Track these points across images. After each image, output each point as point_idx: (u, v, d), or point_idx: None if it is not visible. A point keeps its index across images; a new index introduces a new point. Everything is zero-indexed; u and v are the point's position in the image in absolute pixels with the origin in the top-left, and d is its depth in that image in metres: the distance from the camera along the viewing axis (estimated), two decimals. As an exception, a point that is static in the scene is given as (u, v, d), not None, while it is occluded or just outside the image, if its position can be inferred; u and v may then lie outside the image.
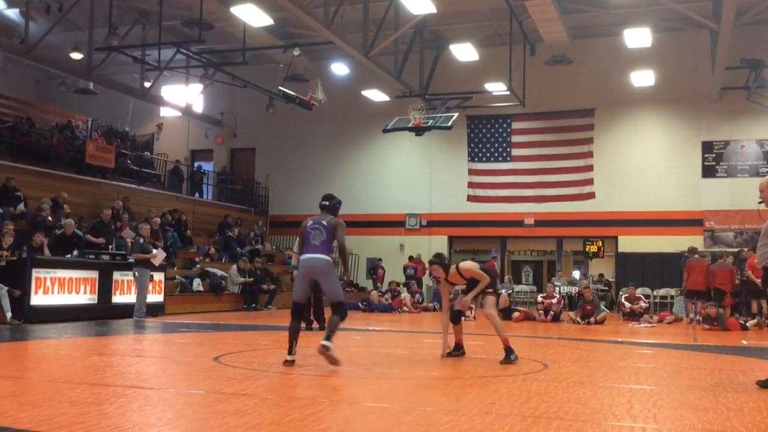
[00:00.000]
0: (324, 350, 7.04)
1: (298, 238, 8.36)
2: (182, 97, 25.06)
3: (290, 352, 7.29)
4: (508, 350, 7.98)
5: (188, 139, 27.71)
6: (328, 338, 7.07)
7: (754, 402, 5.67)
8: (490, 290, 8.32)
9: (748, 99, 20.87)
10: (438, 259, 8.48)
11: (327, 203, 7.64)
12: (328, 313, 7.99)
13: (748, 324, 14.75)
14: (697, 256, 17.03)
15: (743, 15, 18.24)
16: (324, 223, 7.41)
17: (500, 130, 24.44)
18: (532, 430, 4.37)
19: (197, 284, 18.04)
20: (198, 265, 19.17)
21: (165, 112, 27.18)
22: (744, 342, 11.93)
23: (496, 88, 21.45)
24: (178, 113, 26.02)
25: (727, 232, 22.08)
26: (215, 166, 27.49)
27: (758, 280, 15.36)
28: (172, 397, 5.56)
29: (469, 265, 8.46)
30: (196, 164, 27.16)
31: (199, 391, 5.79)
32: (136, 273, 14.25)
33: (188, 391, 5.87)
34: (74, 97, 25.13)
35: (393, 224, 25.02)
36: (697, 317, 15.77)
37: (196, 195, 25.44)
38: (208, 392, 5.68)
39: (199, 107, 26.61)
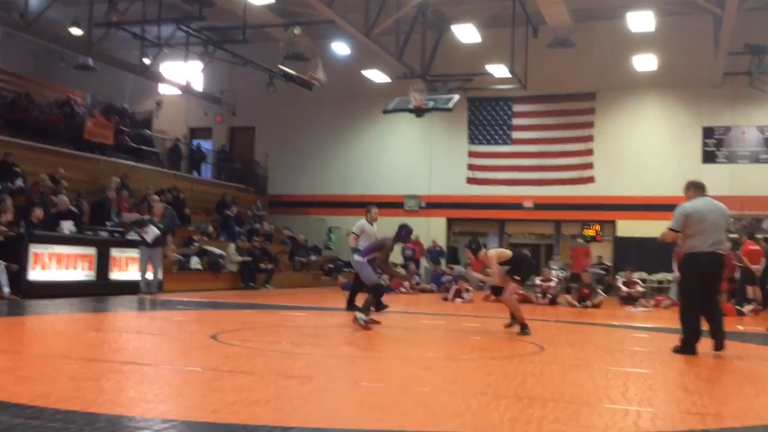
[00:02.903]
0: (356, 320, 9.02)
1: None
2: (182, 74, 24.93)
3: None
4: (523, 326, 9.07)
5: (187, 117, 27.61)
6: (360, 310, 9.13)
7: (748, 387, 5.69)
8: (517, 277, 9.32)
9: (750, 85, 20.78)
10: (470, 244, 10.19)
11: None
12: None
13: (744, 309, 14.80)
14: None
15: (747, 0, 18.12)
16: (380, 238, 9.93)
17: (501, 112, 24.36)
18: (528, 411, 4.39)
19: (195, 262, 18.06)
20: (196, 244, 19.18)
21: (164, 89, 27.04)
22: (740, 327, 11.97)
23: (498, 70, 21.33)
24: (178, 91, 25.88)
25: (725, 218, 22.09)
26: (214, 144, 27.42)
27: (753, 267, 15.46)
28: (169, 374, 5.58)
29: (490, 252, 9.58)
30: (195, 142, 27.08)
31: (197, 368, 5.81)
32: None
33: (185, 368, 5.89)
34: (73, 73, 24.98)
35: (392, 205, 24.96)
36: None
37: (195, 173, 25.39)
38: (206, 369, 5.70)
39: (198, 85, 26.47)
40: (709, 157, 22.40)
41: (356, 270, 9.88)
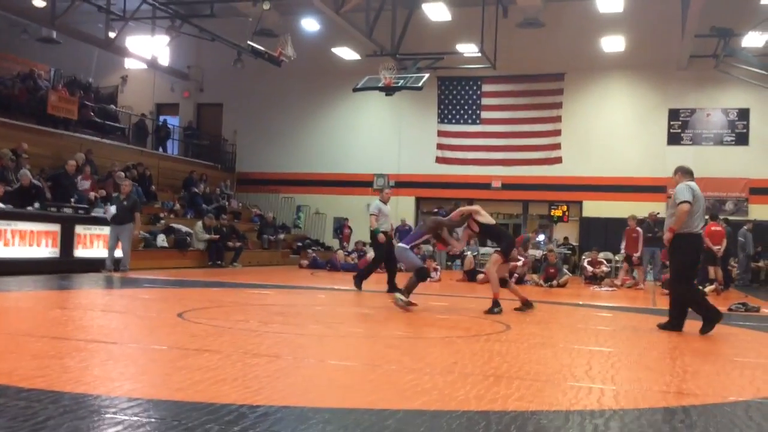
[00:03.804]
0: (395, 300, 9.25)
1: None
2: (148, 48, 24.50)
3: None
4: (495, 302, 9.19)
5: (153, 92, 27.20)
6: (401, 292, 9.31)
7: (709, 365, 5.82)
8: (499, 249, 9.55)
9: (716, 68, 21.06)
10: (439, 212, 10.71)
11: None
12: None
13: (705, 290, 15.09)
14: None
15: (715, -17, 18.34)
16: (424, 225, 10.03)
17: (470, 92, 24.39)
18: (494, 389, 4.43)
19: (162, 240, 17.88)
20: (162, 221, 18.98)
21: (130, 63, 26.58)
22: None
23: (468, 49, 21.33)
24: (144, 65, 25.45)
25: (689, 199, 22.44)
26: (181, 120, 27.07)
27: (715, 247, 15.76)
28: (134, 352, 5.53)
29: (475, 206, 10.11)
30: (161, 118, 26.70)
31: (162, 346, 5.77)
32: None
33: (151, 346, 5.84)
34: (37, 46, 24.39)
35: (361, 184, 24.97)
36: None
37: (161, 150, 25.07)
38: (172, 348, 5.66)
39: (165, 60, 26.05)
40: (674, 139, 22.72)
41: (398, 257, 10.07)
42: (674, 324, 7.86)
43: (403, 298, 9.21)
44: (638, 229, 16.93)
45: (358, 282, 12.50)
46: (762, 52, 20.00)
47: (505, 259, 9.58)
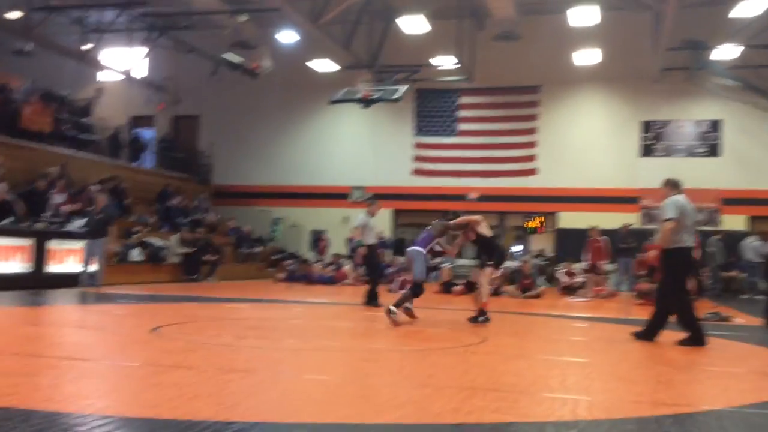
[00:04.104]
0: (388, 313, 8.95)
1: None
2: (124, 61, 24.33)
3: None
4: (481, 311, 9.38)
5: (129, 104, 26.96)
6: (396, 305, 9.06)
7: (682, 375, 5.88)
8: (490, 263, 9.68)
9: (687, 80, 21.36)
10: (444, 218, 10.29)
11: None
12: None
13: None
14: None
15: (686, -3, 18.62)
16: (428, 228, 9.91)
17: (447, 104, 24.52)
18: (469, 401, 4.44)
19: (136, 254, 17.71)
20: (137, 235, 18.81)
21: (105, 76, 26.38)
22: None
23: (445, 62, 21.46)
24: (119, 77, 25.28)
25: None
26: (157, 133, 26.89)
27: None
28: (107, 369, 5.48)
29: (475, 217, 10.03)
30: (136, 131, 26.50)
31: (135, 363, 5.71)
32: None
33: (124, 363, 5.78)
34: (11, 58, 24.11)
35: (338, 196, 24.94)
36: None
37: (136, 163, 24.87)
38: (145, 364, 5.61)
39: (141, 72, 25.90)
40: (647, 151, 22.99)
41: (411, 261, 9.66)
42: (648, 333, 7.89)
43: (394, 310, 9.03)
44: (600, 238, 17.15)
45: (373, 302, 12.19)
46: (733, 65, 20.32)
47: (496, 271, 9.99)
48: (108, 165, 22.16)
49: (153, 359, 5.84)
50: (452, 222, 9.89)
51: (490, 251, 9.83)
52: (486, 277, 9.66)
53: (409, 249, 9.80)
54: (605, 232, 18.56)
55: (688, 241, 7.89)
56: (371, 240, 12.36)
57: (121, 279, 15.99)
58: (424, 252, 9.56)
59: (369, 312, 11.25)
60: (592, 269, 17.29)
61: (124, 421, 3.79)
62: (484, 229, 9.73)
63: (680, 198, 8.01)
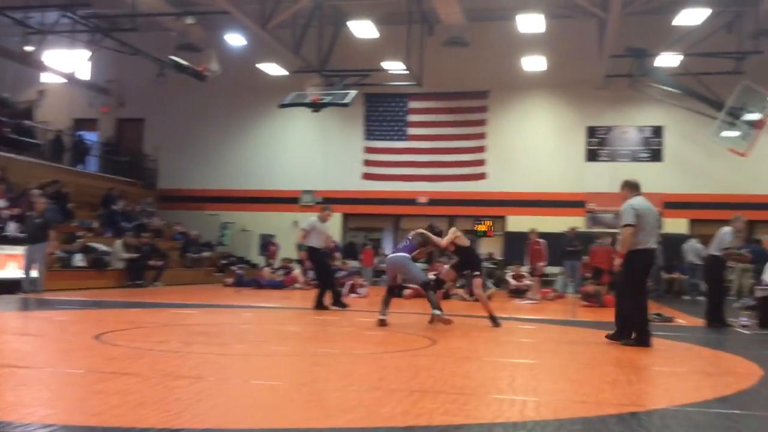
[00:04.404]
0: (437, 317, 9.33)
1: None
2: (66, 62, 23.78)
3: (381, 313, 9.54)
4: (493, 317, 9.87)
5: (72, 107, 26.37)
6: (434, 308, 9.37)
7: (626, 375, 5.99)
8: (477, 272, 10.30)
9: (630, 87, 21.85)
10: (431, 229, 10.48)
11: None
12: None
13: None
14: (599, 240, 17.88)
15: (630, 5, 19.02)
16: (410, 237, 10.14)
17: (397, 108, 24.61)
18: (419, 404, 4.45)
19: (79, 259, 17.29)
20: (80, 240, 18.38)
21: (47, 78, 25.75)
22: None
23: (394, 66, 21.54)
24: (62, 80, 24.70)
25: (607, 214, 23.13)
26: (100, 136, 26.34)
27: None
28: (49, 377, 5.32)
29: (454, 230, 10.46)
30: (78, 134, 25.92)
31: (79, 370, 5.57)
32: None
33: (66, 370, 5.63)
34: (-53, 59, 23.36)
35: (287, 200, 24.80)
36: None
37: (79, 166, 24.31)
38: (88, 371, 5.47)
39: (84, 74, 25.35)
40: (592, 156, 23.45)
41: (402, 269, 9.81)
42: (620, 335, 7.98)
43: (439, 312, 9.39)
44: (540, 240, 17.44)
45: (338, 304, 12.25)
46: (675, 72, 20.86)
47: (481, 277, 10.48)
48: (50, 168, 21.62)
49: (97, 366, 5.70)
50: (441, 242, 10.12)
51: (471, 261, 10.42)
52: (479, 288, 10.25)
53: (394, 257, 9.93)
54: (551, 236, 18.87)
55: (651, 242, 7.94)
56: (316, 243, 12.29)
57: (64, 285, 15.59)
58: (410, 257, 9.82)
59: (319, 316, 11.20)
60: (531, 271, 17.56)
61: (67, 429, 3.68)
62: (462, 241, 10.20)
63: (638, 200, 8.05)
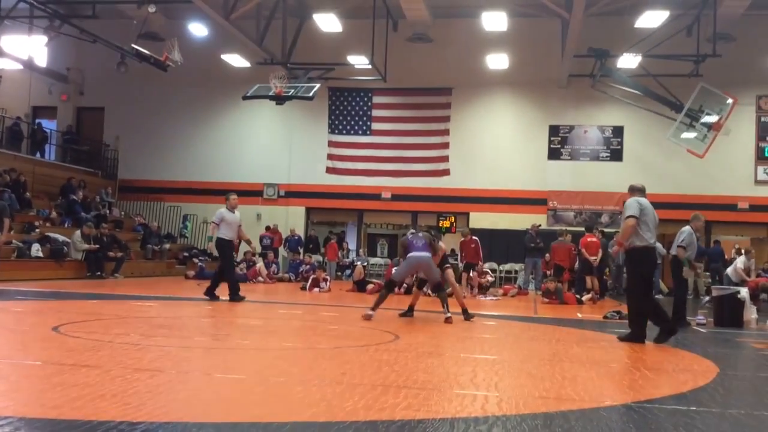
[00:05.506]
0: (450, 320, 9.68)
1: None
2: (25, 49, 23.26)
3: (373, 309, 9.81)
4: (465, 311, 10.35)
5: (30, 94, 25.82)
6: (446, 309, 9.87)
7: (586, 371, 6.08)
8: (447, 265, 10.91)
9: (592, 87, 22.15)
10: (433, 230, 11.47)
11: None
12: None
13: (583, 298, 15.80)
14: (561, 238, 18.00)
15: (592, 6, 19.25)
16: (420, 235, 10.53)
17: (361, 103, 24.59)
18: (381, 398, 4.46)
19: (36, 250, 16.95)
20: (37, 230, 18.02)
21: (4, 64, 25.14)
22: (579, 315, 12.76)
23: (359, 61, 21.50)
24: (20, 66, 24.15)
25: (568, 211, 23.47)
26: (59, 124, 25.84)
27: (591, 258, 16.57)
28: (5, 369, 5.21)
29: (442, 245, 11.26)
30: (37, 122, 25.39)
31: (36, 362, 5.47)
32: None
33: (24, 362, 5.52)
34: None
35: (250, 194, 24.60)
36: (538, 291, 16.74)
37: (38, 155, 23.83)
38: (47, 363, 5.37)
39: (42, 61, 24.82)
40: (554, 154, 23.72)
41: (427, 268, 10.09)
42: (635, 336, 8.10)
43: (470, 314, 10.21)
44: (474, 238, 17.45)
45: (211, 294, 12.23)
46: (635, 73, 21.18)
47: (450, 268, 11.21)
48: (7, 157, 21.17)
49: (55, 358, 5.60)
50: (441, 251, 10.79)
51: (445, 261, 11.03)
52: (453, 278, 10.96)
53: (420, 256, 10.01)
54: (513, 233, 19.05)
55: (652, 240, 8.18)
56: (227, 234, 12.21)
57: (21, 275, 15.29)
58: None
59: (282, 310, 11.15)
60: (467, 268, 17.39)
61: (25, 421, 3.61)
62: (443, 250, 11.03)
63: (642, 199, 8.27)
